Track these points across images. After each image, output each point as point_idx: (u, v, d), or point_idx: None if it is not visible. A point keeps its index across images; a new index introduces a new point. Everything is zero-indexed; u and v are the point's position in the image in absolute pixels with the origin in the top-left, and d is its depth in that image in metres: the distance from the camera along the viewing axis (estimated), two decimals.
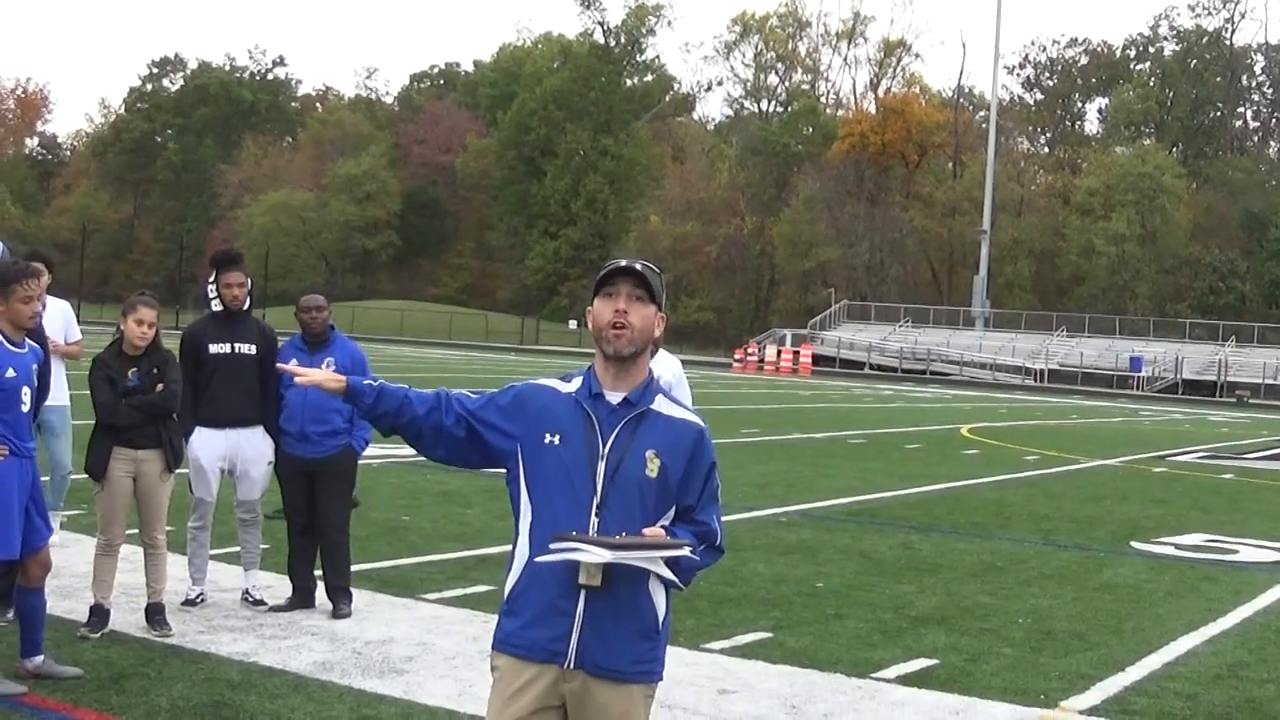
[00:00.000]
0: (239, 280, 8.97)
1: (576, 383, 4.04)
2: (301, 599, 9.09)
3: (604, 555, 3.75)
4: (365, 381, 4.17)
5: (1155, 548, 13.71)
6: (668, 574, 3.87)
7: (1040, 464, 22.75)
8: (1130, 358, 68.85)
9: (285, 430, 9.07)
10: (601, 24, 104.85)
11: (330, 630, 8.53)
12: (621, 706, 3.94)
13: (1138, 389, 65.15)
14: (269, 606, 8.96)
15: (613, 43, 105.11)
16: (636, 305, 3.93)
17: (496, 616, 4.06)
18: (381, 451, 15.56)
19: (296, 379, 4.17)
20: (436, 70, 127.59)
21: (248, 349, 8.92)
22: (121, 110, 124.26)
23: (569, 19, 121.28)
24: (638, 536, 3.82)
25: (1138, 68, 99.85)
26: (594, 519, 3.88)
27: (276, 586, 9.34)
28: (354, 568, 9.39)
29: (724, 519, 4.11)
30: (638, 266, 3.97)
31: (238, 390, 8.89)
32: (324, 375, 4.18)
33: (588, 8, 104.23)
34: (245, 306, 9.02)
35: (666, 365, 8.74)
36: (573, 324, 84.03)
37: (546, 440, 3.96)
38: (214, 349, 8.86)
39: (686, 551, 3.85)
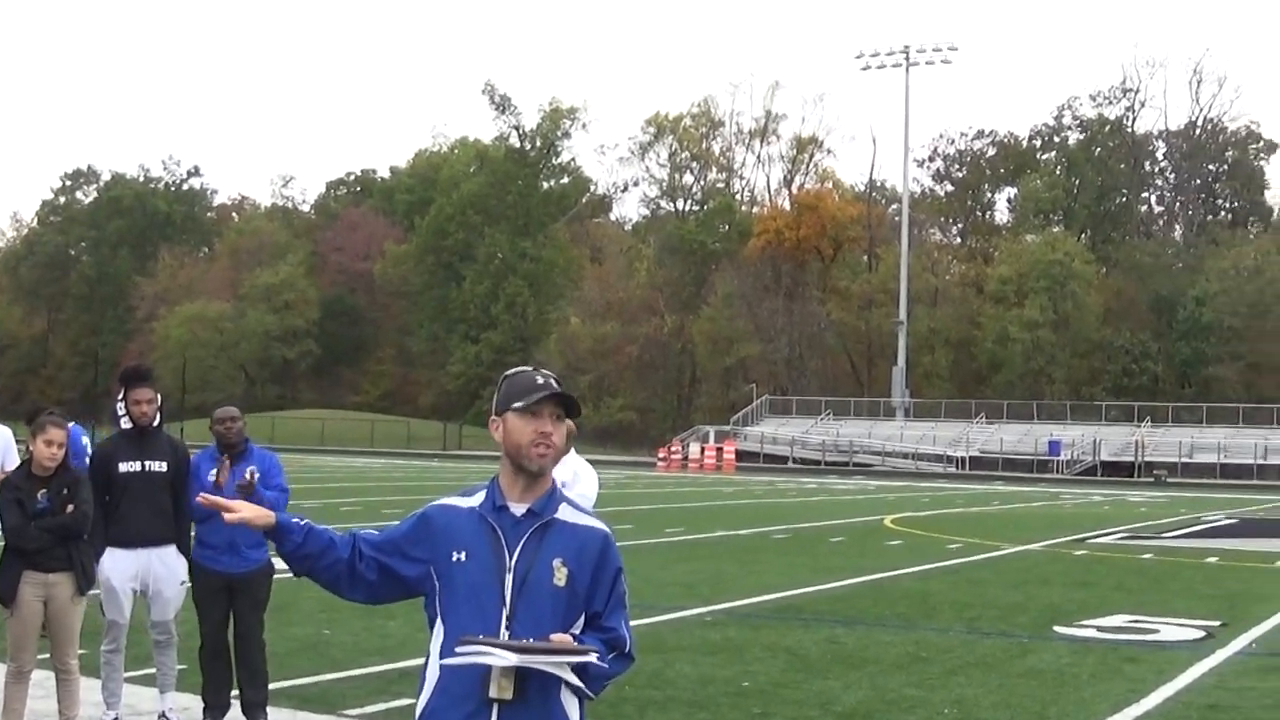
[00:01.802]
0: (147, 397, 8.84)
1: (479, 496, 4.04)
2: (216, 717, 8.95)
3: (510, 659, 3.72)
4: (294, 519, 4.10)
5: (1078, 631, 13.79)
6: (576, 681, 3.82)
7: (963, 551, 22.87)
8: (1049, 441, 69.60)
9: (207, 543, 8.90)
10: (517, 128, 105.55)
11: None
12: None
13: (1058, 472, 65.88)
14: None
15: (528, 146, 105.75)
16: (558, 425, 3.97)
17: None
18: None
19: (226, 516, 4.09)
20: (353, 177, 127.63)
21: (159, 466, 8.79)
22: (34, 223, 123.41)
23: (484, 124, 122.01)
24: (544, 642, 3.79)
25: (1044, 157, 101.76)
26: (504, 632, 3.85)
27: (193, 708, 9.19)
28: (272, 685, 9.23)
29: (650, 620, 4.13)
30: (561, 389, 3.98)
31: (149, 509, 8.74)
32: (252, 512, 4.12)
33: (503, 112, 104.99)
34: (155, 423, 8.91)
35: (567, 460, 8.64)
36: None
37: (454, 559, 3.95)
38: (124, 468, 8.72)
39: (594, 658, 3.81)
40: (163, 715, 8.91)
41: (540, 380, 3.99)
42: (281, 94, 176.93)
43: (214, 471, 8.91)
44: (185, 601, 9.11)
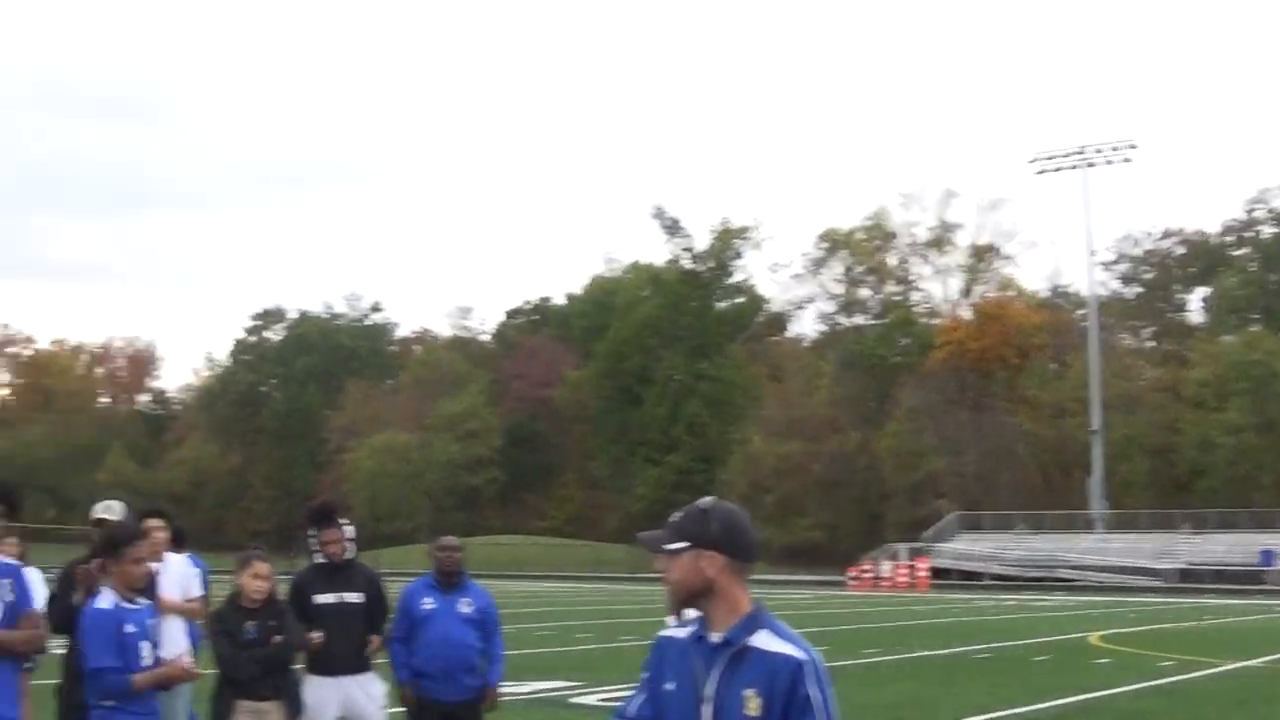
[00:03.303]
0: (334, 537, 9.01)
1: (692, 628, 4.11)
2: None
3: None
4: None
5: None
6: None
7: (1177, 669, 21.88)
8: (1261, 551, 66.81)
9: (424, 671, 8.98)
10: (689, 250, 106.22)
11: None
12: None
13: (1272, 583, 63.10)
14: None
15: (701, 268, 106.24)
16: (669, 560, 4.05)
17: None
18: (503, 690, 15.27)
19: None
20: (530, 305, 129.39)
21: (355, 598, 8.90)
22: (227, 363, 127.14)
23: (656, 247, 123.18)
24: None
25: (1237, 253, 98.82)
26: None
27: None
28: None
29: None
30: (643, 536, 4.19)
31: (347, 639, 8.84)
32: None
33: (674, 235, 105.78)
34: (348, 556, 8.98)
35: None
36: None
37: (665, 688, 4.04)
38: (319, 599, 8.86)
39: None
40: None
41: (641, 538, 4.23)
42: (456, 228, 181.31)
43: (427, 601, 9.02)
44: None
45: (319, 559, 9.06)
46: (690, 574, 3.98)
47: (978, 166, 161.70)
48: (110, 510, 8.87)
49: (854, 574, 67.63)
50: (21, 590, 6.77)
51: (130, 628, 6.99)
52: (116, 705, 6.90)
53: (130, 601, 7.11)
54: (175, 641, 7.99)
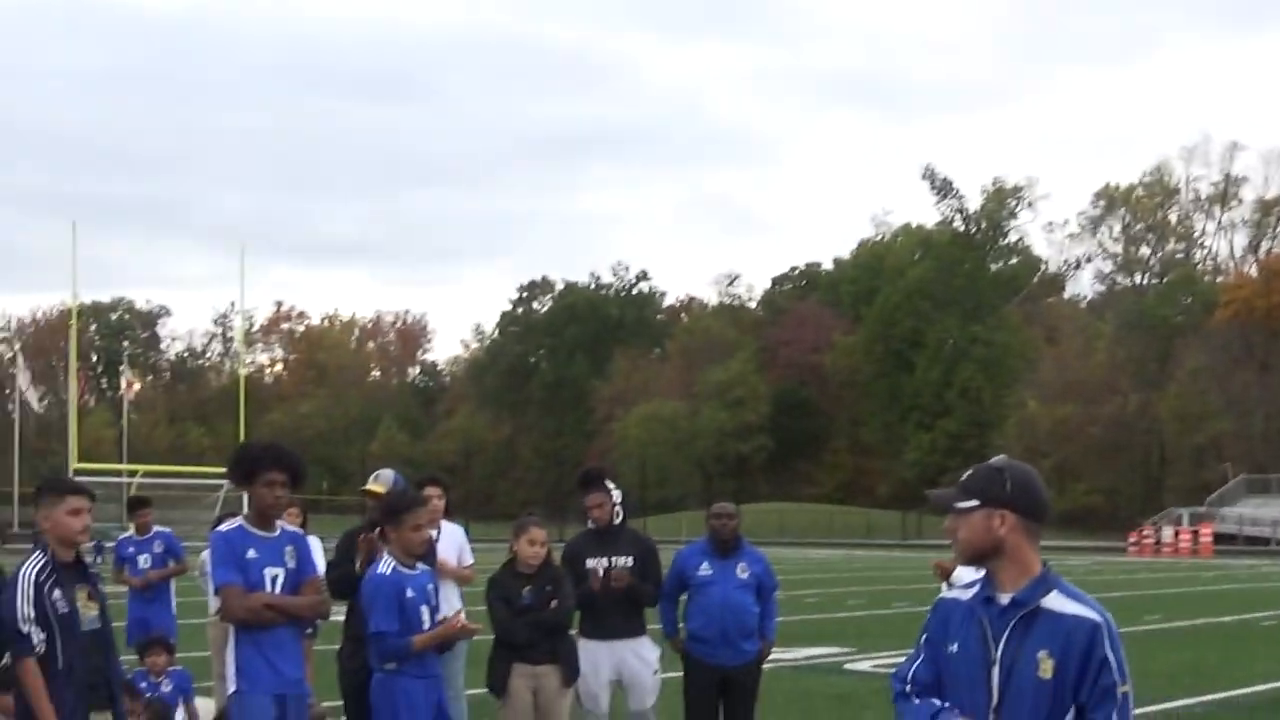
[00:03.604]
0: (598, 501, 9.12)
1: (974, 590, 4.06)
2: None
3: None
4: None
5: None
6: None
7: None
8: None
9: (701, 637, 9.08)
10: (961, 211, 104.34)
11: None
12: None
13: None
14: None
15: (973, 229, 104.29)
16: (957, 519, 4.01)
17: None
18: (772, 655, 15.38)
19: None
20: (797, 271, 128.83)
21: (624, 561, 8.96)
22: (495, 335, 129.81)
23: (927, 209, 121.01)
24: None
25: None
26: None
27: None
28: None
29: (1137, 711, 3.85)
30: (934, 493, 4.14)
31: (619, 602, 8.95)
32: None
33: (945, 197, 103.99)
34: (617, 521, 9.08)
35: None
36: None
37: (949, 650, 4.01)
38: (591, 564, 8.98)
39: None
40: None
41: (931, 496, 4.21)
42: (722, 194, 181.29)
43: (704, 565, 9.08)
44: (672, 690, 9.20)
45: (590, 524, 9.25)
46: (981, 533, 3.94)
47: (1265, 117, 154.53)
48: (380, 480, 9.12)
49: (1134, 539, 65.97)
50: (304, 557, 7.02)
51: (410, 592, 7.27)
52: (398, 668, 7.16)
53: (409, 567, 7.38)
54: (451, 605, 8.22)
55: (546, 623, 8.25)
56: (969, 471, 4.04)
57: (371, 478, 9.19)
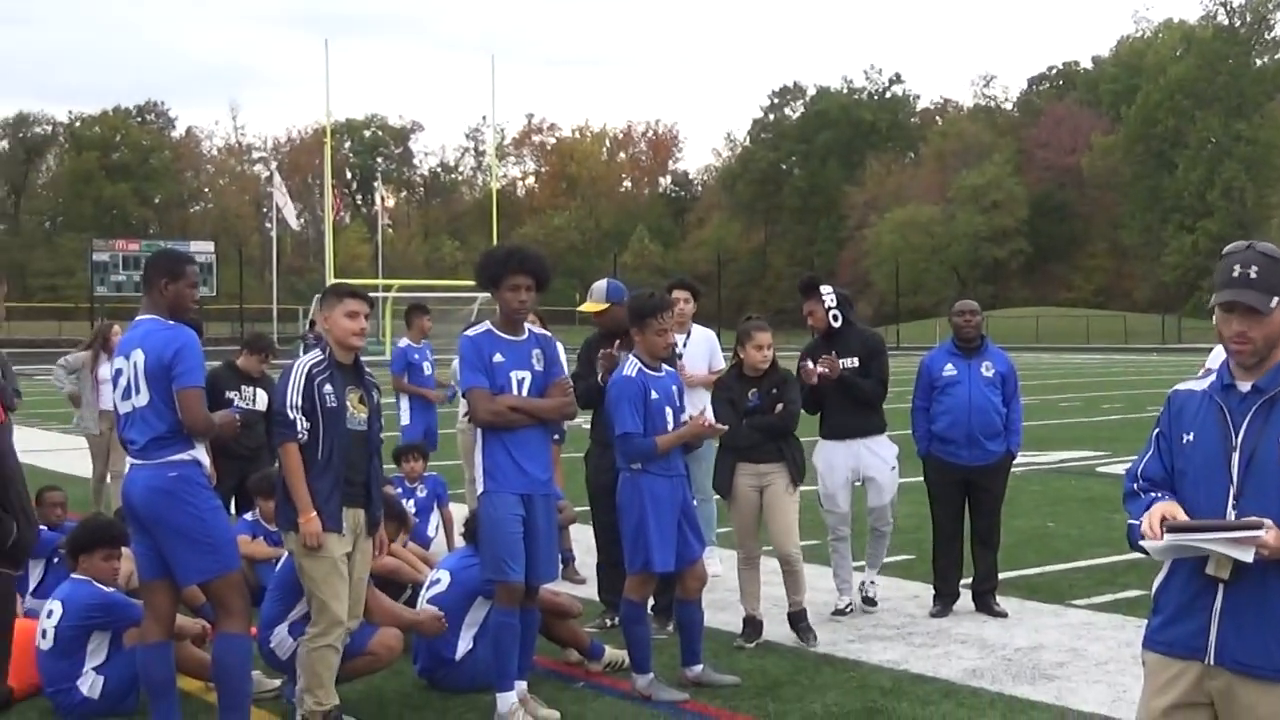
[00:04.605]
0: (809, 309, 9.12)
1: (1210, 379, 3.99)
2: (946, 605, 9.11)
3: (1169, 540, 3.69)
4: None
5: None
6: (1247, 558, 3.65)
7: None
8: None
9: (947, 438, 9.12)
10: (1224, 4, 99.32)
11: (979, 637, 8.45)
12: (1270, 709, 3.78)
13: None
14: (933, 613, 9.07)
15: (1238, 23, 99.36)
16: (1248, 320, 3.81)
17: (1148, 620, 4.05)
18: (1024, 458, 15.34)
19: None
20: (1055, 71, 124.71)
21: (850, 363, 8.97)
22: (747, 142, 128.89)
23: (1189, 4, 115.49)
24: (1213, 520, 3.73)
25: None
26: (1230, 511, 3.79)
27: (923, 596, 9.39)
28: (1000, 575, 9.37)
29: None
30: (1243, 297, 3.82)
31: (851, 401, 8.99)
32: None
33: None
34: (836, 325, 9.04)
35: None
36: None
37: (1183, 440, 3.95)
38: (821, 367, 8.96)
39: (1265, 533, 3.62)
40: (862, 586, 9.25)
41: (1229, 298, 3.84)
42: None
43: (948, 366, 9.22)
44: (918, 494, 9.27)
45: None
46: (1274, 331, 3.81)
47: None
48: (594, 295, 9.05)
49: None
50: (551, 359, 7.09)
51: (654, 394, 7.38)
52: (643, 467, 7.32)
53: (654, 369, 7.49)
54: (696, 406, 8.31)
55: (772, 427, 8.31)
56: (1246, 266, 3.81)
57: (588, 297, 9.14)
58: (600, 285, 9.17)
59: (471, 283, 60.05)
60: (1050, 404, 28.01)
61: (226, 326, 63.70)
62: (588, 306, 9.07)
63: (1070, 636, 8.35)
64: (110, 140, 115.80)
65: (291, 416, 6.54)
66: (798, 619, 8.39)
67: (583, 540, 9.81)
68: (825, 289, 9.07)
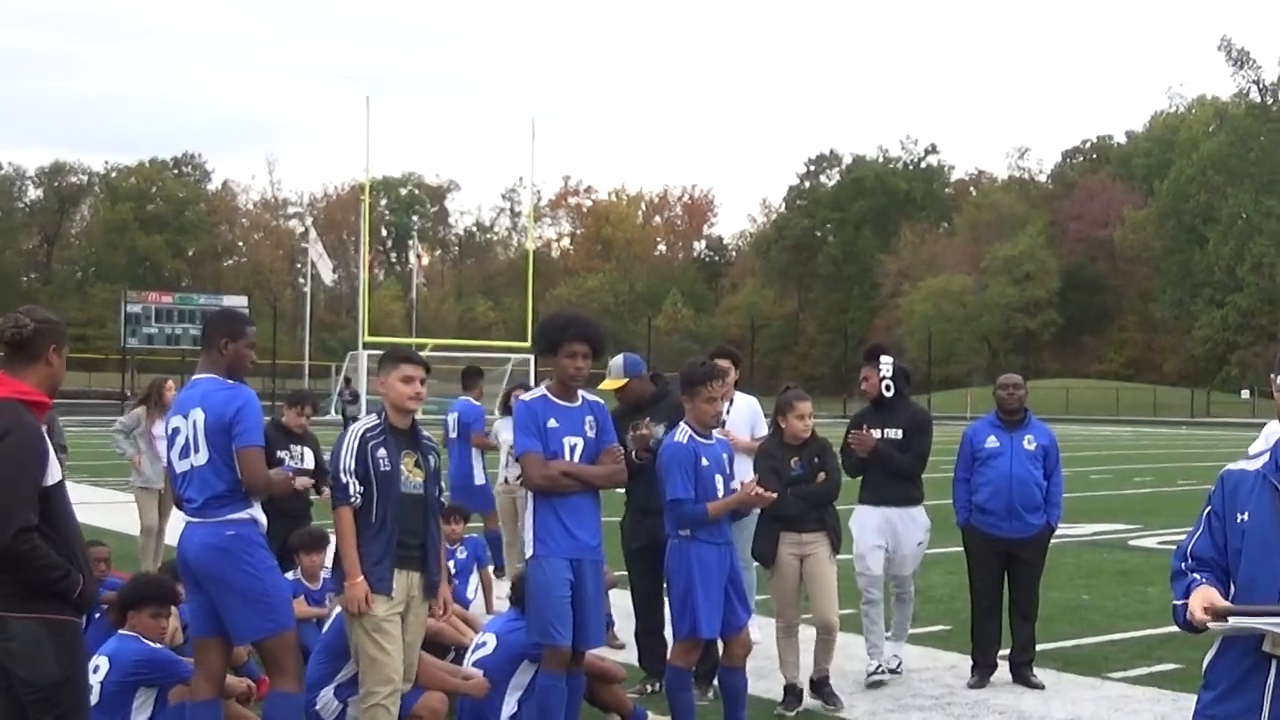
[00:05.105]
0: (864, 375, 9.34)
1: (1263, 459, 4.04)
2: (984, 676, 9.18)
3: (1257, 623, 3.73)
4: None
5: None
6: None
7: None
8: None
9: (988, 509, 9.23)
10: (1257, 82, 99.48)
11: (1017, 709, 8.54)
12: None
13: None
14: (969, 684, 9.11)
15: (1270, 100, 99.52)
16: None
17: (1184, 695, 4.08)
18: (1058, 531, 15.40)
19: None
20: (1088, 145, 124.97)
21: (894, 434, 9.15)
22: (782, 209, 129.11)
23: (1222, 80, 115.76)
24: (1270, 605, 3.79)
25: None
26: None
27: (961, 666, 9.46)
28: (1037, 647, 9.42)
29: None
30: None
31: (887, 472, 9.16)
32: None
33: (1241, 67, 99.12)
34: (889, 394, 9.22)
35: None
36: (1245, 394, 79.55)
37: (1238, 519, 3.98)
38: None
39: None
40: (880, 670, 9.22)
41: None
42: (1012, 67, 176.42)
43: (990, 439, 9.29)
44: (956, 564, 9.35)
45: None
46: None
47: None
48: (613, 372, 9.08)
49: None
50: (604, 427, 7.24)
51: (705, 461, 7.51)
52: (692, 534, 7.43)
53: (705, 437, 7.63)
54: (743, 473, 8.42)
55: (816, 495, 8.47)
56: None
57: (607, 374, 9.18)
58: (618, 361, 9.23)
59: (505, 344, 60.27)
60: (1081, 476, 27.99)
61: (259, 382, 63.82)
62: (607, 385, 9.08)
63: (1107, 709, 8.39)
64: (145, 191, 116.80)
65: (345, 480, 6.62)
66: (822, 684, 8.54)
67: (621, 605, 9.91)
68: (886, 359, 9.28)
